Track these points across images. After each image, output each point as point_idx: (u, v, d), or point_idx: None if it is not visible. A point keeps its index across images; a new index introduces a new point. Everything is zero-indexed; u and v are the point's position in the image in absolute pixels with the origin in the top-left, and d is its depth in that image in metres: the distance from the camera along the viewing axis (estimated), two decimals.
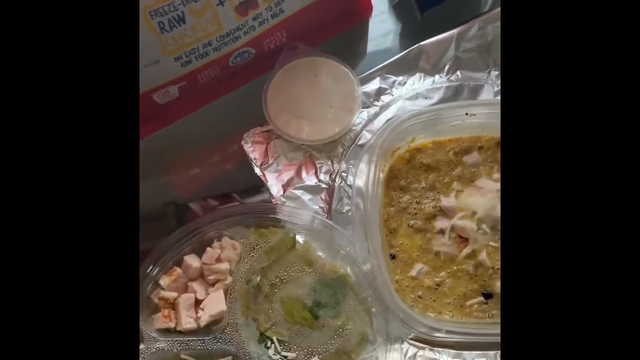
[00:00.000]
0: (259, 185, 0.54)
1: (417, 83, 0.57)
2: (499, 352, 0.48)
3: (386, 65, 0.58)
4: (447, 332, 0.46)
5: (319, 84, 0.55)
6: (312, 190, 0.54)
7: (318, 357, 0.46)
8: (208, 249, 0.48)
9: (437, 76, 0.57)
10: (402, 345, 0.49)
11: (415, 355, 0.48)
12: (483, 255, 0.49)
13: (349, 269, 0.49)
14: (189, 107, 0.56)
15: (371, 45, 0.62)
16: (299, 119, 0.54)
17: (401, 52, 0.58)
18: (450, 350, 0.48)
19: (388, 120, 0.53)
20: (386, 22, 0.61)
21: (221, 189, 0.57)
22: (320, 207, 0.53)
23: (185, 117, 0.56)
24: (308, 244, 0.50)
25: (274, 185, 0.53)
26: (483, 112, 0.52)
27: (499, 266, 0.49)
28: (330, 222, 0.51)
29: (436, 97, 0.56)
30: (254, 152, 0.54)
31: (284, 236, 0.49)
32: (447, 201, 0.51)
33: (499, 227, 0.49)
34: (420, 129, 0.52)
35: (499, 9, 0.57)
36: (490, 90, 0.56)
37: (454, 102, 0.54)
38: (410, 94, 0.56)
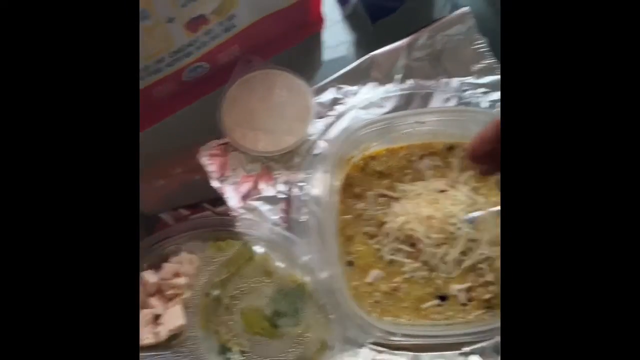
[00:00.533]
0: None
1: (370, 92, 0.58)
2: (457, 352, 0.49)
3: (340, 76, 0.59)
4: (404, 335, 0.47)
5: (274, 97, 0.56)
6: (270, 201, 0.55)
7: None
8: (165, 264, 0.48)
9: (389, 85, 0.58)
10: (361, 350, 0.50)
11: (374, 359, 0.49)
12: (435, 259, 0.50)
13: (307, 278, 0.50)
14: (145, 123, 0.56)
15: (325, 56, 0.63)
16: (255, 131, 0.55)
17: (355, 62, 0.59)
18: (408, 353, 0.49)
19: (342, 129, 0.54)
20: (340, 33, 0.62)
21: (191, 199, 0.58)
22: (279, 217, 0.54)
23: (143, 132, 0.57)
24: (266, 255, 0.51)
25: (232, 197, 0.54)
26: (433, 120, 0.53)
27: (451, 269, 0.50)
28: (287, 232, 0.51)
29: (389, 105, 0.57)
30: (211, 165, 0.55)
31: (241, 248, 0.50)
32: (398, 207, 0.52)
33: (450, 231, 0.50)
34: (373, 137, 0.54)
35: (447, 17, 0.59)
36: (441, 97, 0.58)
37: (405, 110, 0.55)
38: (364, 103, 0.58)
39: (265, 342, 0.48)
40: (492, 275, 0.50)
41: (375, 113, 0.56)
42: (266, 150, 0.54)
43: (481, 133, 0.39)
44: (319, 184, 0.52)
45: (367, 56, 0.59)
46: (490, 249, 0.50)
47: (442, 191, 0.53)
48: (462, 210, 0.51)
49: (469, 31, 0.58)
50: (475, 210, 0.51)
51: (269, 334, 0.48)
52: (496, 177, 0.54)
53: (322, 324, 0.49)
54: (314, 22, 0.61)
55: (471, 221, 0.50)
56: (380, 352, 0.50)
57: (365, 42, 0.62)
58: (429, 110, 0.54)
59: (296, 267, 0.50)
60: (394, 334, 0.48)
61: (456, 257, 0.50)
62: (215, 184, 0.54)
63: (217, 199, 0.55)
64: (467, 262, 0.50)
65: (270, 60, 0.57)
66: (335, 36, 0.63)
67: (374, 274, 0.51)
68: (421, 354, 0.49)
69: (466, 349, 0.49)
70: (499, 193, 0.54)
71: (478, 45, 0.58)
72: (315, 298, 0.49)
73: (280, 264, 0.50)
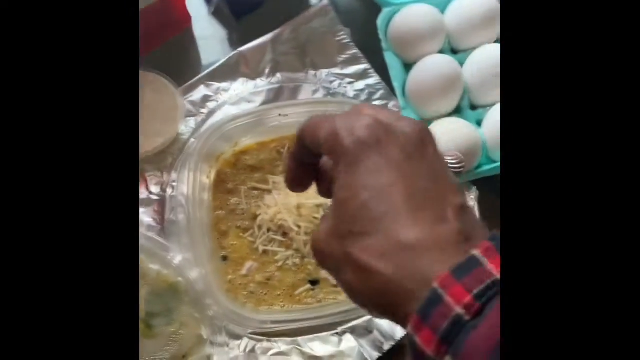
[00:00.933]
0: None
1: (240, 88, 0.59)
2: (329, 332, 0.51)
3: (209, 73, 0.59)
4: (279, 322, 0.49)
5: (140, 99, 0.55)
6: (144, 203, 0.54)
7: None
8: None
9: (258, 80, 0.60)
10: (241, 341, 0.51)
11: (254, 348, 0.51)
12: (305, 248, 0.52)
13: (180, 278, 0.50)
14: None
15: (196, 54, 0.63)
16: None
17: (223, 59, 0.60)
18: (286, 338, 0.51)
19: (209, 125, 0.55)
20: (207, 30, 0.62)
21: None
22: (152, 218, 0.54)
23: None
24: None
25: None
26: (297, 112, 0.55)
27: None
28: (158, 237, 0.51)
29: (259, 100, 0.59)
30: None
31: None
32: (270, 199, 0.53)
33: (316, 216, 0.52)
34: (241, 132, 0.55)
35: (308, 11, 0.60)
36: (309, 90, 0.59)
37: (269, 104, 0.56)
38: (235, 99, 0.59)
39: (140, 343, 0.48)
40: None
41: (245, 108, 0.57)
42: None
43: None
44: (188, 183, 0.52)
45: (234, 52, 0.60)
46: None
47: None
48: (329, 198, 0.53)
49: (331, 23, 0.60)
50: None
51: (143, 334, 0.48)
52: None
53: (198, 321, 0.49)
54: (181, 20, 0.60)
55: None
56: (259, 340, 0.51)
57: (234, 38, 0.63)
58: (294, 103, 0.55)
59: (170, 268, 0.51)
60: (270, 322, 0.49)
61: None
62: None
63: None
64: None
65: None
66: (204, 33, 0.63)
67: (247, 265, 0.52)
68: (298, 338, 0.51)
69: (340, 329, 0.51)
70: None
71: (341, 37, 0.60)
72: (190, 296, 0.50)
73: (153, 266, 0.50)
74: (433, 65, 0.55)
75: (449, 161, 0.50)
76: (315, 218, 0.53)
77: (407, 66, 0.58)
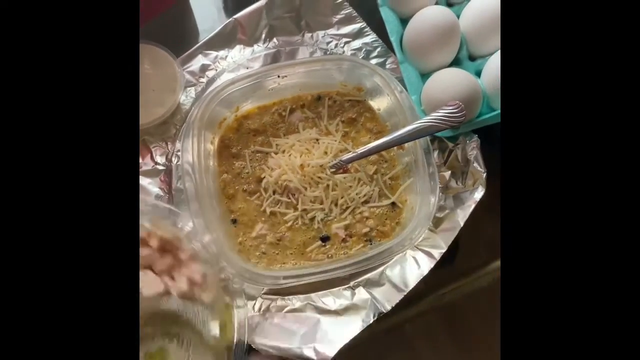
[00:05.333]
0: None
1: (237, 55, 0.59)
2: (342, 287, 0.52)
3: (206, 42, 0.59)
4: (288, 277, 0.49)
5: (139, 70, 0.55)
6: (150, 173, 0.55)
7: None
8: None
9: (255, 46, 0.60)
10: (257, 301, 0.52)
11: (269, 306, 0.52)
12: (312, 206, 0.53)
13: (192, 246, 0.50)
14: None
15: (192, 23, 0.63)
16: None
17: (219, 27, 0.60)
18: (299, 295, 0.52)
19: (207, 92, 0.55)
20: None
21: None
22: (160, 188, 0.55)
23: None
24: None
25: None
26: (295, 72, 0.55)
27: (329, 213, 0.53)
28: (167, 205, 0.52)
29: (257, 65, 0.59)
30: None
31: None
32: (273, 161, 0.54)
33: (322, 176, 0.53)
34: (241, 97, 0.55)
35: None
36: (306, 52, 0.60)
37: (267, 66, 0.56)
38: (233, 67, 0.59)
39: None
40: (368, 210, 0.54)
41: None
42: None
43: None
44: (193, 150, 0.53)
45: (230, 19, 0.60)
46: (361, 188, 0.54)
47: (315, 140, 0.55)
48: (334, 156, 0.54)
49: None
50: (346, 153, 0.53)
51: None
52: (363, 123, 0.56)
53: (220, 288, 0.50)
54: None
55: (341, 165, 0.52)
56: (273, 299, 0.52)
57: (229, 6, 0.63)
58: (292, 63, 0.55)
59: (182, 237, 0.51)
60: (283, 278, 0.49)
61: (332, 200, 0.53)
62: None
63: None
64: (342, 202, 0.53)
65: None
66: (200, 2, 0.63)
67: (257, 227, 0.53)
68: (311, 294, 0.52)
69: (352, 283, 0.52)
70: (368, 134, 0.57)
71: None
72: (208, 262, 0.50)
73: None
74: (429, 16, 0.55)
75: (450, 110, 0.50)
76: (319, 178, 0.53)
77: (404, 21, 0.58)
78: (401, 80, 0.56)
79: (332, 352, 0.48)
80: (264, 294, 0.52)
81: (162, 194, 0.54)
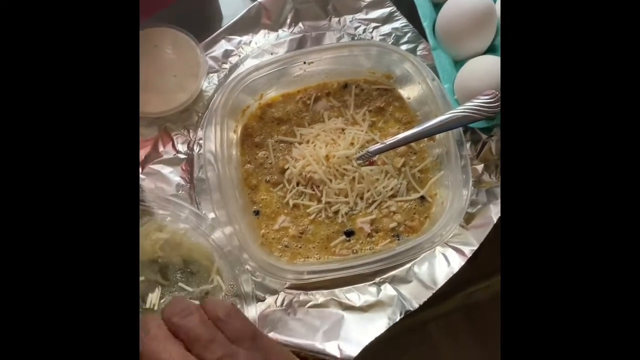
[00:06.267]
0: None
1: (261, 40, 0.57)
2: (367, 283, 0.50)
3: (229, 27, 0.57)
4: (312, 272, 0.47)
5: (160, 55, 0.54)
6: (171, 162, 0.54)
7: None
8: None
9: (280, 31, 0.57)
10: (279, 296, 0.50)
11: (291, 301, 0.50)
12: (337, 199, 0.51)
13: (213, 236, 0.49)
14: None
15: (215, 7, 0.61)
16: (144, 93, 0.53)
17: (243, 11, 0.57)
18: (323, 291, 0.50)
19: (231, 78, 0.53)
20: None
21: None
22: (181, 177, 0.53)
23: None
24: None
25: None
26: (322, 58, 0.52)
27: (354, 207, 0.51)
28: (178, 200, 0.50)
29: (281, 51, 0.57)
30: None
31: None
32: (297, 152, 0.52)
33: (348, 168, 0.51)
34: (265, 84, 0.53)
35: None
36: (333, 37, 0.57)
37: (293, 52, 0.54)
38: (257, 52, 0.57)
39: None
40: (396, 204, 0.51)
41: None
42: (158, 111, 0.53)
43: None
44: (214, 138, 0.51)
45: (254, 3, 0.58)
46: (389, 181, 0.51)
47: (341, 130, 0.53)
48: (360, 147, 0.51)
49: None
50: (373, 144, 0.51)
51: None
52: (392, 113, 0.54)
53: (235, 278, 0.49)
54: None
55: (368, 157, 0.50)
56: (296, 294, 0.50)
57: None
58: (318, 49, 0.53)
59: (201, 228, 0.50)
60: (306, 273, 0.48)
61: (358, 193, 0.51)
62: None
63: None
64: (368, 195, 0.51)
65: (153, 18, 0.55)
66: None
67: (280, 220, 0.51)
68: (335, 289, 0.50)
69: (378, 279, 0.50)
70: (397, 125, 0.54)
71: None
72: (222, 255, 0.49)
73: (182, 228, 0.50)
74: (465, 0, 0.52)
75: (486, 99, 0.47)
76: (345, 170, 0.51)
77: (437, 5, 0.55)
78: (433, 68, 0.53)
79: (355, 351, 0.47)
80: (287, 288, 0.51)
81: (183, 183, 0.53)
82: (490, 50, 0.54)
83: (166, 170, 0.53)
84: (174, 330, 0.33)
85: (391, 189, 0.51)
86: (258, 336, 0.34)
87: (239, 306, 0.48)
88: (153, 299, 0.48)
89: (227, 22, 0.58)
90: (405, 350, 0.51)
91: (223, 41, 0.57)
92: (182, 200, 0.52)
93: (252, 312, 0.48)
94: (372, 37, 0.57)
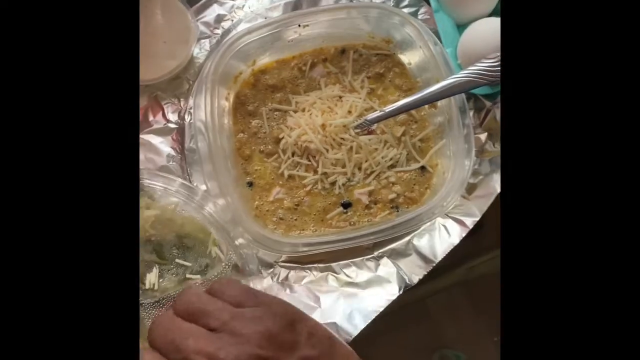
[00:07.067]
0: None
1: (255, 4, 0.55)
2: (365, 257, 0.48)
3: None
4: (307, 244, 0.46)
5: (148, 20, 0.51)
6: (162, 132, 0.52)
7: None
8: None
9: None
10: (273, 270, 0.49)
11: (287, 276, 0.49)
12: (334, 169, 0.49)
13: (203, 211, 0.47)
14: None
15: None
16: None
17: None
18: (319, 265, 0.49)
19: (222, 43, 0.51)
20: None
21: None
22: (172, 147, 0.51)
23: None
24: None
25: None
26: (319, 21, 0.50)
27: (351, 177, 0.49)
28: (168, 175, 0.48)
29: (276, 14, 0.54)
30: None
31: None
32: (292, 121, 0.49)
33: (346, 137, 0.48)
34: (258, 49, 0.50)
35: None
36: (330, 1, 0.54)
37: (286, 14, 0.51)
38: (250, 17, 0.54)
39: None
40: (395, 175, 0.49)
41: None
42: (148, 78, 0.51)
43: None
44: (205, 107, 0.49)
45: None
46: (388, 151, 0.49)
47: (338, 98, 0.50)
48: (358, 115, 0.49)
49: None
50: (372, 112, 0.48)
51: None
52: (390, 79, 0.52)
53: (235, 248, 0.47)
54: None
55: (366, 125, 0.48)
56: (292, 268, 0.49)
57: None
58: (314, 11, 0.50)
59: (192, 203, 0.48)
60: (302, 245, 0.46)
61: (356, 163, 0.49)
62: None
63: None
64: (366, 166, 0.49)
65: None
66: None
67: (275, 191, 0.49)
68: (332, 264, 0.49)
69: (376, 253, 0.48)
70: (397, 92, 0.52)
71: None
72: (218, 227, 0.47)
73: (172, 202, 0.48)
74: None
75: (490, 63, 0.45)
76: (342, 139, 0.49)
77: None
78: (435, 32, 0.51)
79: (354, 331, 0.45)
80: (282, 261, 0.49)
81: (174, 153, 0.51)
82: (495, 12, 0.51)
83: (156, 140, 0.51)
84: (184, 316, 0.31)
85: (390, 159, 0.49)
86: (257, 294, 0.32)
87: (242, 279, 0.47)
88: (151, 279, 0.46)
89: None
90: (404, 324, 0.49)
91: (215, 5, 0.54)
92: (173, 171, 0.50)
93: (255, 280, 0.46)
94: (370, 0, 0.54)
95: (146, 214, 0.46)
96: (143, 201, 0.47)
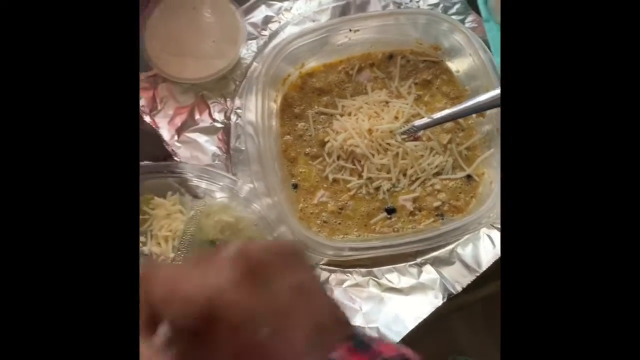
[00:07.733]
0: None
1: (303, 7, 0.55)
2: (407, 263, 0.48)
3: None
4: (353, 249, 0.46)
5: (199, 18, 0.52)
6: (207, 131, 0.52)
7: None
8: None
9: None
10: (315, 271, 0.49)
11: (327, 279, 0.49)
12: (378, 174, 0.49)
13: (248, 209, 0.47)
14: None
15: None
16: (181, 57, 0.51)
17: None
18: (360, 269, 0.49)
19: (273, 46, 0.51)
20: None
21: None
22: (217, 147, 0.52)
23: None
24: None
25: (166, 131, 0.51)
26: (368, 27, 0.50)
27: (396, 183, 0.49)
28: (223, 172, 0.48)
29: (323, 18, 0.54)
30: (140, 99, 0.52)
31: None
32: (338, 124, 0.49)
33: (392, 143, 0.48)
34: (307, 52, 0.50)
35: None
36: (378, 5, 0.54)
37: (336, 19, 0.52)
38: (297, 19, 0.54)
39: None
40: (440, 183, 0.49)
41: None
42: (195, 77, 0.51)
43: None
44: (255, 108, 0.49)
45: None
46: (434, 158, 0.49)
47: (385, 103, 0.51)
48: (405, 121, 0.49)
49: None
50: (419, 119, 0.48)
51: None
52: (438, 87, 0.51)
53: None
54: None
55: (413, 131, 0.48)
56: (333, 271, 0.49)
57: None
58: (365, 16, 0.50)
59: (239, 200, 0.48)
60: (347, 249, 0.46)
61: (401, 169, 0.49)
62: (146, 118, 0.51)
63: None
64: (411, 172, 0.49)
65: None
66: None
67: (319, 194, 0.49)
68: (374, 269, 0.49)
69: (419, 260, 0.48)
70: (444, 99, 0.51)
71: None
72: (262, 227, 0.47)
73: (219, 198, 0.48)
74: None
75: None
76: (388, 144, 0.49)
77: None
78: (484, 41, 0.50)
79: (397, 337, 0.45)
80: (323, 264, 0.49)
81: (219, 153, 0.51)
82: None
83: (202, 139, 0.52)
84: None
85: (436, 167, 0.49)
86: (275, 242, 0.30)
87: None
88: None
89: None
90: (450, 333, 0.49)
91: (263, 7, 0.55)
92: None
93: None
94: (418, 6, 0.54)
95: (220, 217, 0.46)
96: (220, 204, 0.47)
